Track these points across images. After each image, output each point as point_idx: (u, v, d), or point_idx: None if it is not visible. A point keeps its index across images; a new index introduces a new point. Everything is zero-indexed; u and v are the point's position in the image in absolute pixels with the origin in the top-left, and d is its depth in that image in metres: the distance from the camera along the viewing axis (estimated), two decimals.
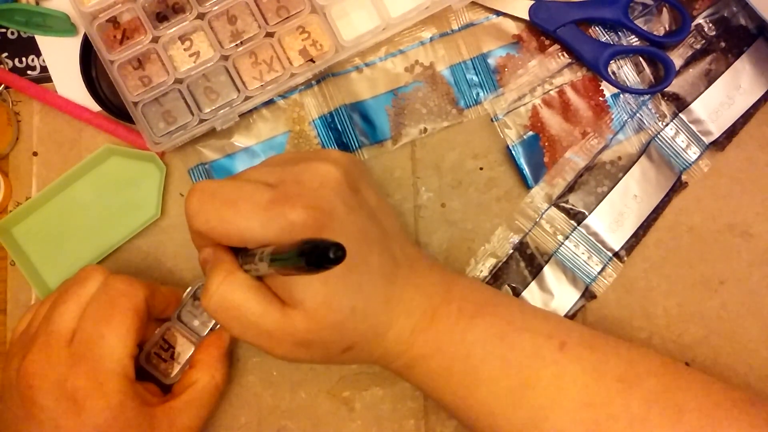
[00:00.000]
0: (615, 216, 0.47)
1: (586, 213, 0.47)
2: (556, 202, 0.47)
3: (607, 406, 0.36)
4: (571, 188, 0.47)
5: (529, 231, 0.47)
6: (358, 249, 0.35)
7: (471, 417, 0.38)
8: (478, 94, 0.48)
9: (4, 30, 0.50)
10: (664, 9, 0.48)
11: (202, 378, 0.43)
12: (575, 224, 0.47)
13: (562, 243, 0.47)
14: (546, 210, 0.47)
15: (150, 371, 0.44)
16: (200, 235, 0.36)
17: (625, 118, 0.47)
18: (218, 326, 0.45)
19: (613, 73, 0.47)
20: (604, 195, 0.47)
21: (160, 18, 0.45)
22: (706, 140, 0.47)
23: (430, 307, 0.38)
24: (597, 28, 0.48)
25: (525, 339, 0.37)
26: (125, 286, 0.41)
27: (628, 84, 0.47)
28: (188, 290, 0.45)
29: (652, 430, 0.35)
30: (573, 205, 0.47)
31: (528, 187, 0.47)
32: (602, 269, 0.47)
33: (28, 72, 0.50)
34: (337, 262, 0.26)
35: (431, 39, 0.48)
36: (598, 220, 0.47)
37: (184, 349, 0.45)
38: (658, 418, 0.35)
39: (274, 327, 0.35)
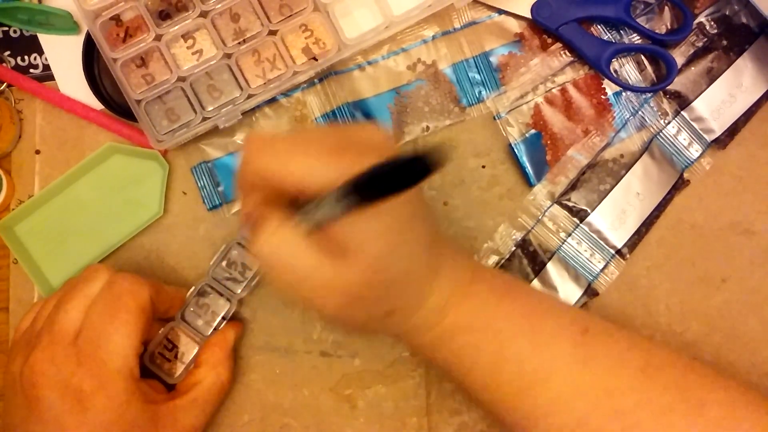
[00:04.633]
0: (617, 213, 0.47)
1: (589, 210, 0.47)
2: (559, 200, 0.47)
3: (631, 394, 0.36)
4: (573, 186, 0.47)
5: (532, 228, 0.47)
6: (411, 215, 0.35)
7: (495, 397, 0.38)
8: (480, 92, 0.48)
9: (6, 28, 0.50)
10: (666, 7, 0.48)
11: (208, 377, 0.44)
12: (578, 221, 0.47)
13: (565, 240, 0.47)
14: (549, 207, 0.47)
15: (154, 371, 0.44)
16: (252, 182, 0.35)
17: (627, 116, 0.47)
18: (222, 326, 0.45)
19: (615, 71, 0.47)
20: (607, 192, 0.47)
21: (163, 16, 0.45)
22: (708, 138, 0.47)
23: (462, 283, 0.38)
24: (599, 27, 0.48)
25: (550, 321, 0.38)
26: (130, 284, 0.41)
27: (630, 82, 0.47)
28: (192, 290, 0.46)
29: (676, 421, 0.35)
30: (575, 203, 0.47)
31: (530, 185, 0.47)
32: (605, 266, 0.47)
33: (31, 70, 0.50)
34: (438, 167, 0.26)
35: (433, 37, 0.48)
36: (600, 217, 0.47)
37: (188, 349, 0.45)
38: (681, 408, 0.36)
39: (327, 280, 0.34)
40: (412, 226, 0.35)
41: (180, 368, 0.44)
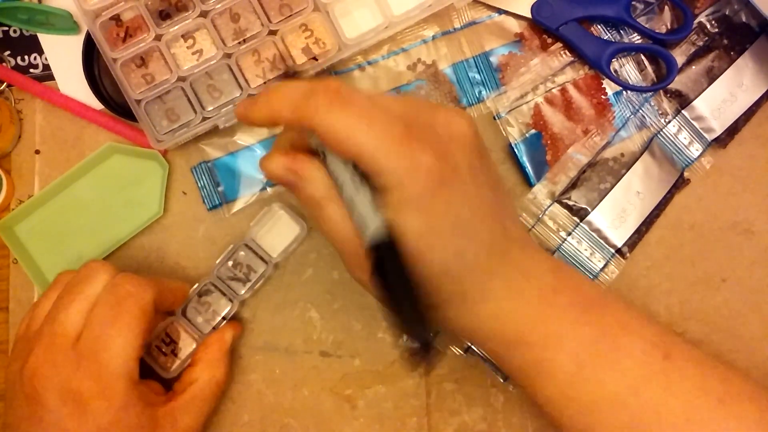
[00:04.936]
0: (618, 212, 0.47)
1: (589, 209, 0.47)
2: (559, 199, 0.47)
3: (709, 426, 0.35)
4: (573, 185, 0.47)
5: (532, 227, 0.47)
6: (471, 214, 0.34)
7: (567, 414, 0.37)
8: (480, 92, 0.48)
9: (6, 28, 0.50)
10: (666, 7, 0.48)
11: (203, 376, 0.44)
12: (578, 221, 0.47)
13: (565, 239, 0.47)
14: (549, 206, 0.47)
15: (149, 363, 0.44)
16: (302, 125, 0.34)
17: (628, 115, 0.47)
18: (221, 325, 0.45)
19: (615, 70, 0.47)
20: (607, 191, 0.47)
21: (163, 16, 0.45)
22: (709, 137, 0.47)
23: (539, 294, 0.36)
24: (599, 26, 0.48)
25: (633, 343, 0.36)
26: (133, 287, 0.41)
27: (630, 82, 0.47)
28: (195, 287, 0.46)
29: None
30: (576, 202, 0.47)
31: (530, 185, 0.47)
32: (605, 265, 0.47)
33: (31, 70, 0.50)
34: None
35: (434, 37, 0.48)
36: (600, 216, 0.47)
37: (186, 345, 0.45)
38: None
39: (363, 258, 0.34)
40: (472, 227, 0.34)
41: (175, 363, 0.44)
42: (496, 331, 0.36)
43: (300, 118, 0.33)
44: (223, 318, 0.45)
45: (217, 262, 0.46)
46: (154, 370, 0.44)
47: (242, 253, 0.46)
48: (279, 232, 0.46)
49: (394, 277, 0.33)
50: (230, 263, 0.46)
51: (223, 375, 0.45)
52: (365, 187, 0.33)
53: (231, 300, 0.45)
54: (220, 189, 0.48)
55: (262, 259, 0.46)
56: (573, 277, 0.38)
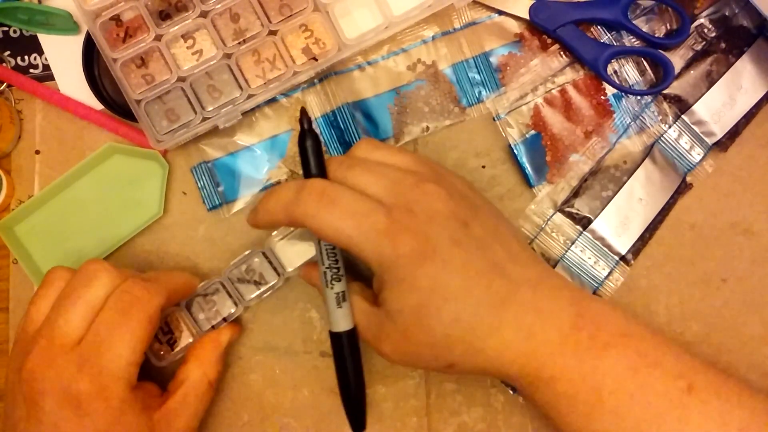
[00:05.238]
0: (621, 220, 0.47)
1: (592, 218, 0.47)
2: (562, 208, 0.47)
3: None
4: (576, 193, 0.47)
5: (535, 237, 0.47)
6: (462, 282, 0.36)
7: None
8: (480, 92, 0.48)
9: (6, 28, 0.50)
10: (665, 10, 0.48)
11: (194, 375, 0.44)
12: (581, 229, 0.47)
13: (569, 248, 0.47)
14: (551, 216, 0.47)
15: None
16: (292, 224, 0.39)
17: (628, 121, 0.47)
18: (221, 325, 0.45)
19: (615, 72, 0.47)
20: (610, 199, 0.47)
21: (163, 16, 0.45)
22: (710, 141, 0.47)
23: (557, 332, 0.37)
24: (599, 28, 0.48)
25: (655, 376, 0.37)
26: (142, 292, 0.40)
27: (630, 83, 0.48)
28: (202, 284, 0.45)
29: None
30: (578, 210, 0.47)
31: (530, 186, 0.47)
32: (609, 273, 0.47)
33: (31, 70, 0.50)
34: None
35: (433, 37, 0.48)
36: (604, 224, 0.47)
37: (182, 338, 0.45)
38: None
39: (375, 335, 0.39)
40: (465, 292, 0.36)
41: (169, 354, 0.44)
42: (518, 373, 0.38)
43: (294, 220, 0.38)
44: (224, 320, 0.45)
45: (232, 263, 0.45)
46: (149, 369, 0.44)
47: (257, 259, 0.45)
48: (299, 249, 0.45)
49: (346, 363, 0.41)
50: (243, 267, 0.45)
51: (215, 375, 0.45)
52: (337, 286, 0.40)
53: (236, 304, 0.45)
54: (220, 189, 0.48)
55: (276, 270, 0.45)
56: (594, 309, 0.39)
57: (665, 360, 0.38)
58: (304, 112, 0.41)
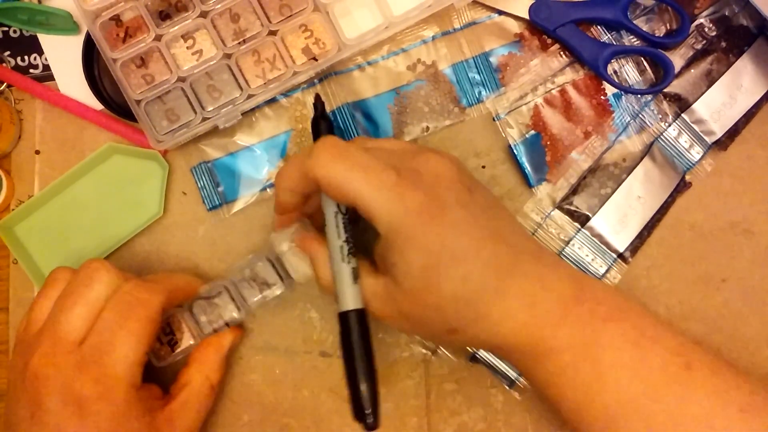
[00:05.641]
0: (619, 217, 0.47)
1: (590, 215, 0.47)
2: (560, 205, 0.47)
3: None
4: (574, 190, 0.47)
5: (534, 233, 0.47)
6: (469, 241, 0.36)
7: (587, 420, 0.37)
8: (480, 92, 0.48)
9: (6, 28, 0.50)
10: (665, 10, 0.48)
11: (197, 378, 0.44)
12: (579, 226, 0.47)
13: (567, 245, 0.47)
14: (550, 212, 0.47)
15: None
16: (305, 184, 0.39)
17: (628, 119, 0.47)
18: (223, 329, 0.45)
19: (615, 72, 0.47)
20: (608, 197, 0.47)
21: (163, 16, 0.45)
22: (709, 140, 0.47)
23: (560, 302, 0.37)
24: (599, 28, 0.48)
25: (655, 351, 0.37)
26: (145, 294, 0.40)
27: (630, 83, 0.48)
28: (205, 287, 0.45)
29: None
30: (577, 207, 0.47)
31: (530, 186, 0.47)
32: (607, 271, 0.47)
33: (31, 70, 0.50)
34: None
35: (433, 38, 0.48)
36: (602, 221, 0.47)
37: (184, 340, 0.44)
38: None
39: (380, 305, 0.39)
40: (473, 253, 0.36)
41: (169, 355, 0.44)
42: (519, 344, 0.37)
43: (306, 172, 0.37)
44: (226, 324, 0.45)
45: (236, 266, 0.45)
46: (150, 370, 0.44)
47: (261, 263, 0.44)
48: (305, 255, 0.43)
49: (357, 347, 0.38)
50: (248, 272, 0.44)
51: (217, 378, 0.45)
52: (353, 261, 0.39)
53: (239, 308, 0.44)
54: (220, 189, 0.48)
55: (281, 277, 0.44)
56: (594, 286, 0.39)
57: (664, 337, 0.38)
58: (318, 98, 0.41)
